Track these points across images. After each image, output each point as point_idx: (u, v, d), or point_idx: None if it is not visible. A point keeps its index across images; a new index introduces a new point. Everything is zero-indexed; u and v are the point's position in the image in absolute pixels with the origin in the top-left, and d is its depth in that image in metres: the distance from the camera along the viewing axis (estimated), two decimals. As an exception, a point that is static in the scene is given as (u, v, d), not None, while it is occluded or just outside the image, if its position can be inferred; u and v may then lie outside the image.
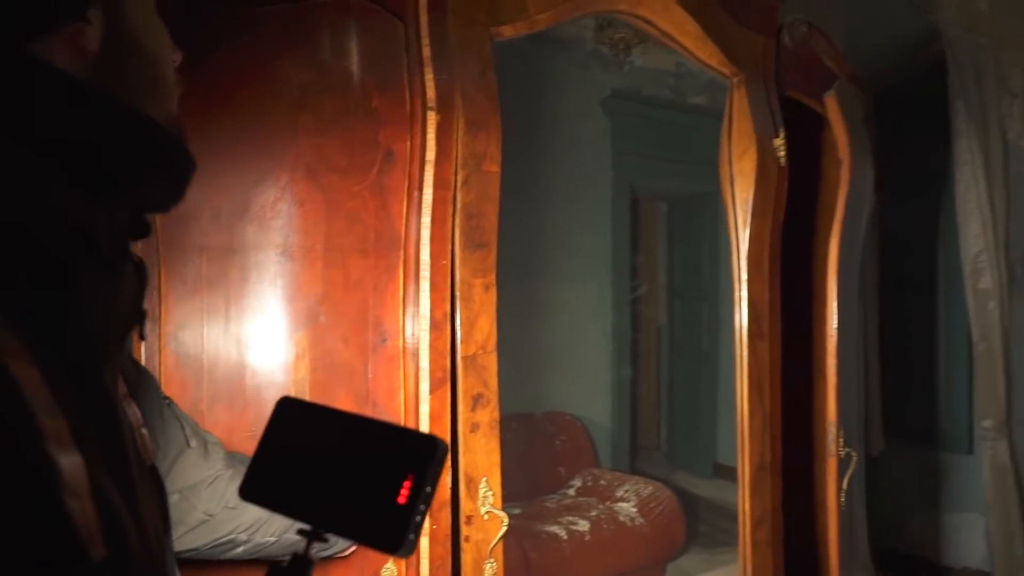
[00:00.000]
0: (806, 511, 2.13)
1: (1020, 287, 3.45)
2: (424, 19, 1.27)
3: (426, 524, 1.21)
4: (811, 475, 2.13)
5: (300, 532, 0.54)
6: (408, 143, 1.26)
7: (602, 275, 4.40)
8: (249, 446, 1.14)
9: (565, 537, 3.18)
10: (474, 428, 1.30)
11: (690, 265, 5.50)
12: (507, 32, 1.40)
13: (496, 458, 1.32)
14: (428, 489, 0.52)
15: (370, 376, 1.26)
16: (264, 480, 0.57)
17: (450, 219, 1.28)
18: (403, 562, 1.23)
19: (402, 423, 1.24)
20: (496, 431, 1.32)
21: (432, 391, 1.25)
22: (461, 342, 1.29)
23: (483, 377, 1.32)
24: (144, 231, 0.58)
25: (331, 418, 0.58)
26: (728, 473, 4.93)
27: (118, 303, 0.52)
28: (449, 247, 1.28)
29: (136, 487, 0.48)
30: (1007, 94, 3.39)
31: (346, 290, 1.25)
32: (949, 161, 3.29)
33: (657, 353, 6.09)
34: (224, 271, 1.20)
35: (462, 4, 1.32)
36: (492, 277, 1.33)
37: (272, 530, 0.97)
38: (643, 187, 4.98)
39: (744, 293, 1.81)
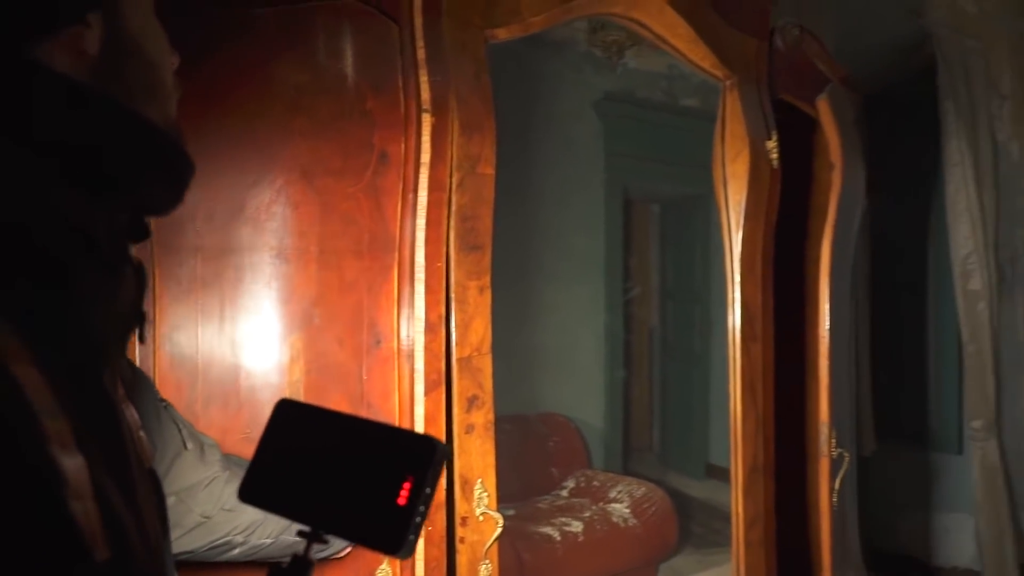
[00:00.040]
0: (798, 512, 2.14)
1: (1009, 288, 3.47)
2: (419, 21, 1.27)
3: (421, 525, 1.21)
4: (803, 476, 2.15)
5: (300, 533, 0.54)
6: (402, 145, 1.26)
7: (595, 277, 4.41)
8: (244, 448, 1.15)
9: (558, 538, 3.18)
10: (469, 430, 1.30)
11: (682, 267, 5.52)
12: (502, 34, 1.40)
13: (491, 459, 1.32)
14: (428, 490, 0.52)
15: (364, 378, 1.26)
16: (263, 482, 0.57)
17: (445, 221, 1.28)
18: (398, 564, 1.23)
19: (397, 425, 1.24)
20: (491, 433, 1.33)
21: (427, 393, 1.25)
22: (456, 344, 1.29)
23: (478, 379, 1.32)
24: (143, 233, 0.58)
25: (330, 420, 0.58)
26: (720, 474, 4.95)
27: (118, 305, 0.52)
28: (444, 249, 1.28)
29: (136, 488, 0.48)
30: (996, 96, 3.42)
31: (341, 292, 1.25)
32: (940, 162, 3.32)
33: (649, 355, 6.11)
34: (219, 272, 1.20)
35: (457, 6, 1.32)
36: (487, 279, 1.34)
37: (268, 532, 0.97)
38: (636, 189, 4.99)
39: (737, 295, 1.82)
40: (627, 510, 3.49)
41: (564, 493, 3.77)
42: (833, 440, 1.99)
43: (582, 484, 3.79)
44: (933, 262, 3.76)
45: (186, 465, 0.90)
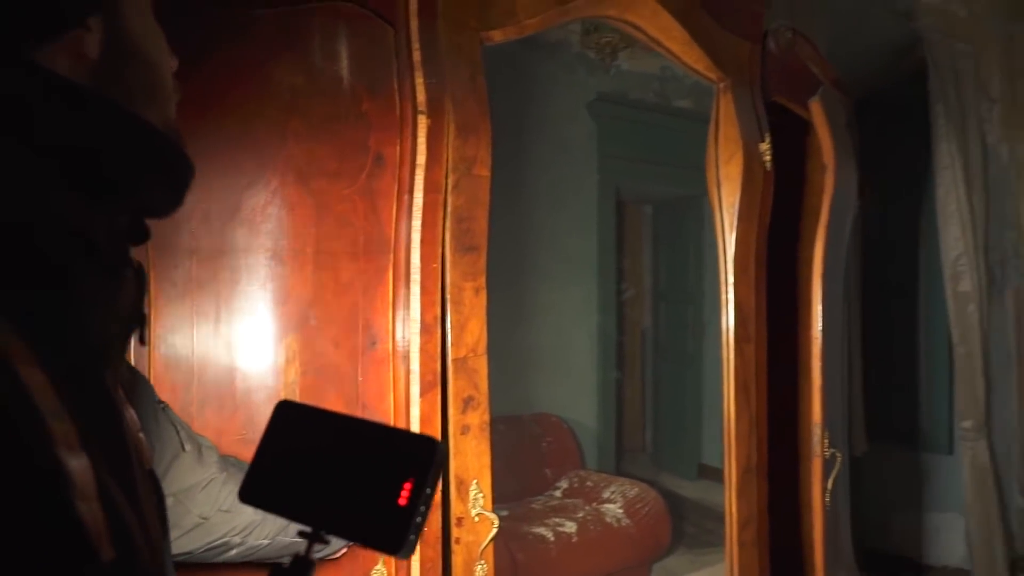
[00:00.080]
0: (791, 512, 2.15)
1: (999, 290, 3.50)
2: (414, 24, 1.28)
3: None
4: (796, 476, 2.16)
5: (301, 533, 0.54)
6: (398, 147, 1.27)
7: (588, 278, 4.42)
8: (239, 449, 1.15)
9: (552, 538, 3.19)
10: (465, 430, 1.30)
11: (675, 268, 5.54)
12: (497, 37, 1.41)
13: (487, 460, 1.33)
14: (428, 491, 0.52)
15: (360, 379, 1.26)
16: (264, 483, 0.57)
17: (441, 223, 1.29)
18: (393, 564, 1.23)
19: (396, 426, 1.24)
20: (486, 433, 1.33)
21: (423, 394, 1.25)
22: (452, 345, 1.29)
23: (473, 380, 1.32)
24: (143, 236, 0.58)
25: (330, 421, 0.58)
26: (713, 474, 4.97)
27: (118, 307, 0.52)
28: (440, 251, 1.29)
29: (138, 489, 0.49)
30: (986, 99, 3.45)
31: (336, 293, 1.25)
32: (930, 165, 3.34)
33: (642, 355, 6.12)
34: (214, 274, 1.20)
35: (452, 9, 1.32)
36: (482, 280, 1.34)
37: (265, 533, 0.97)
38: (628, 190, 5.01)
39: (731, 296, 1.83)
40: (620, 510, 3.50)
41: (558, 494, 3.77)
42: (826, 440, 2.00)
43: (575, 485, 3.80)
44: (924, 264, 3.79)
45: (184, 467, 0.90)
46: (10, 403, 0.38)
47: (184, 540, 0.90)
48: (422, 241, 1.26)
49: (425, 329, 1.26)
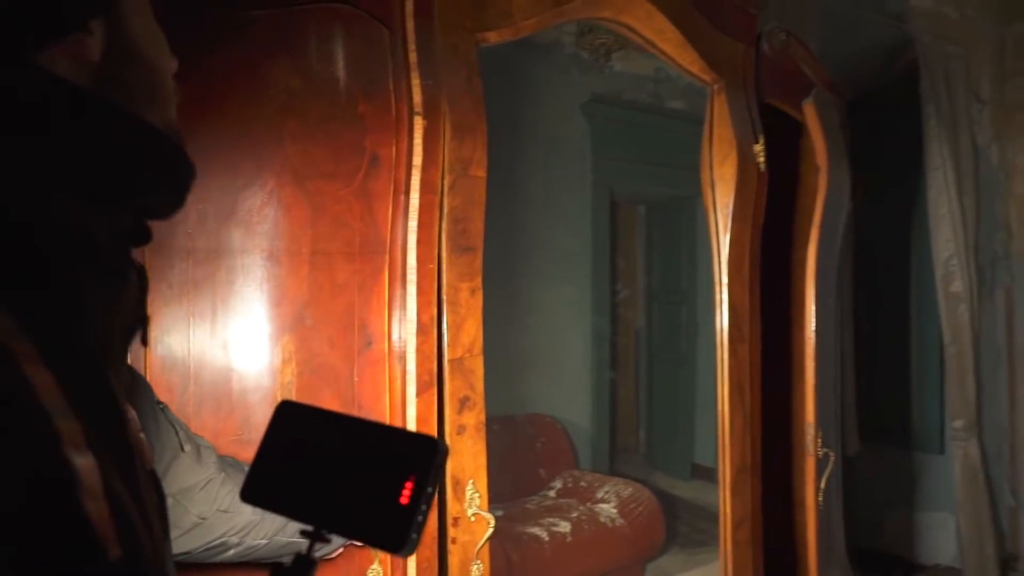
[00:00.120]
0: (784, 511, 2.16)
1: (989, 290, 3.53)
2: (410, 25, 1.28)
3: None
4: (789, 476, 2.17)
5: (303, 532, 0.54)
6: (394, 148, 1.27)
7: (581, 278, 4.43)
8: (236, 449, 1.15)
9: (546, 538, 3.20)
10: (461, 431, 1.31)
11: (668, 268, 5.56)
12: (492, 38, 1.41)
13: (483, 460, 1.33)
14: (429, 490, 0.53)
15: (356, 379, 1.26)
16: (266, 482, 0.57)
17: (437, 223, 1.29)
18: (388, 564, 1.24)
19: (393, 426, 1.24)
20: (482, 433, 1.33)
21: (419, 394, 1.26)
22: (448, 345, 1.30)
23: (469, 380, 1.33)
24: (145, 238, 0.59)
25: (331, 421, 0.59)
26: (706, 474, 4.99)
27: (122, 308, 0.52)
28: (436, 251, 1.29)
29: (142, 489, 0.49)
30: (976, 101, 3.47)
31: (332, 294, 1.25)
32: (921, 166, 3.36)
33: (636, 355, 6.13)
34: (210, 274, 1.20)
35: (448, 10, 1.33)
36: (478, 281, 1.34)
37: (263, 533, 0.98)
38: (622, 191, 5.02)
39: (725, 296, 1.84)
40: (614, 510, 3.51)
41: (552, 494, 3.78)
42: (819, 440, 2.01)
43: (569, 485, 3.81)
44: (915, 264, 3.81)
45: (183, 467, 0.90)
46: (17, 401, 0.39)
47: (183, 540, 0.90)
48: (418, 242, 1.26)
49: (421, 329, 1.26)
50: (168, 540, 0.60)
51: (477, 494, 1.32)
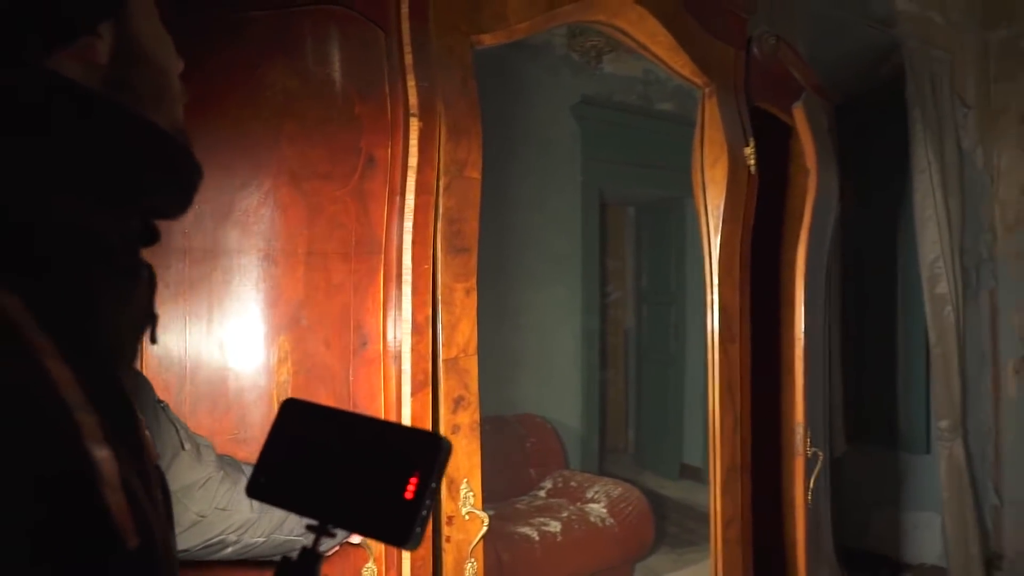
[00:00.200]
0: (773, 510, 2.18)
1: (974, 292, 3.57)
2: (405, 27, 1.29)
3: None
4: (778, 475, 2.19)
5: (308, 527, 0.55)
6: (389, 149, 1.28)
7: (571, 279, 4.44)
8: (232, 448, 1.15)
9: (537, 538, 3.21)
10: (455, 430, 1.32)
11: (657, 269, 5.58)
12: (487, 40, 1.42)
13: (477, 459, 1.34)
14: (433, 485, 0.54)
15: (351, 379, 1.27)
16: (271, 478, 0.58)
17: (432, 224, 1.30)
18: (383, 562, 1.24)
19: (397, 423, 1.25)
20: (477, 433, 1.35)
21: (414, 394, 1.27)
22: (443, 345, 1.31)
23: (464, 380, 1.34)
24: (154, 238, 0.59)
25: (336, 418, 0.60)
26: (695, 474, 5.01)
27: (134, 307, 0.53)
28: (431, 252, 1.30)
29: (152, 483, 0.50)
30: (961, 105, 3.52)
31: (328, 294, 1.26)
32: (907, 169, 3.40)
33: (625, 356, 6.16)
34: (207, 274, 1.20)
35: (443, 13, 1.34)
36: (473, 281, 1.35)
37: (260, 531, 0.98)
38: (612, 192, 5.04)
39: (715, 297, 1.86)
40: (604, 510, 3.53)
41: (542, 494, 3.79)
42: (808, 440, 2.03)
43: (559, 485, 3.82)
44: (902, 266, 3.85)
45: (183, 465, 0.91)
46: (40, 394, 0.39)
47: (182, 537, 0.91)
48: (413, 242, 1.27)
49: (416, 329, 1.27)
50: (174, 533, 0.60)
51: (471, 493, 1.32)
